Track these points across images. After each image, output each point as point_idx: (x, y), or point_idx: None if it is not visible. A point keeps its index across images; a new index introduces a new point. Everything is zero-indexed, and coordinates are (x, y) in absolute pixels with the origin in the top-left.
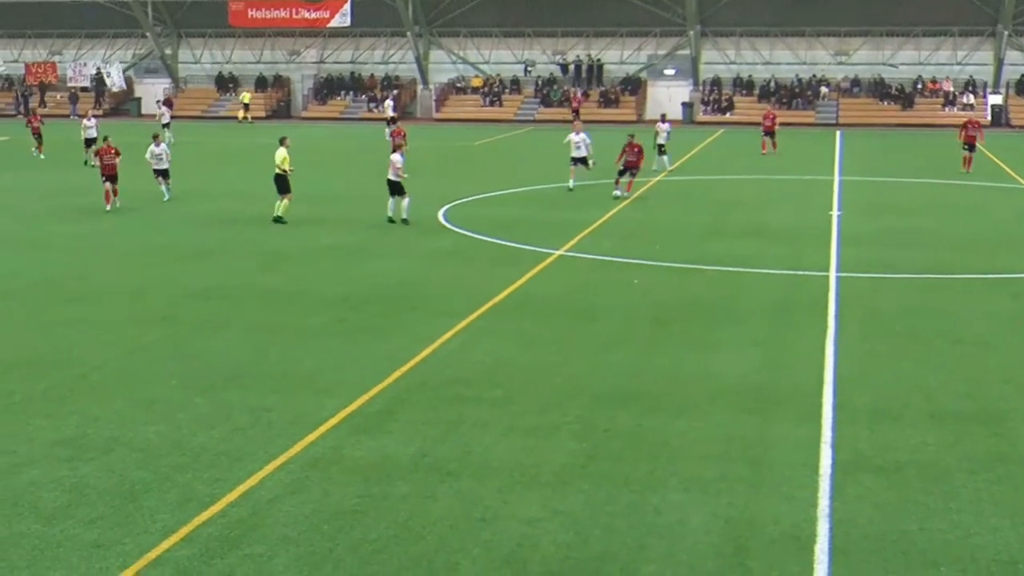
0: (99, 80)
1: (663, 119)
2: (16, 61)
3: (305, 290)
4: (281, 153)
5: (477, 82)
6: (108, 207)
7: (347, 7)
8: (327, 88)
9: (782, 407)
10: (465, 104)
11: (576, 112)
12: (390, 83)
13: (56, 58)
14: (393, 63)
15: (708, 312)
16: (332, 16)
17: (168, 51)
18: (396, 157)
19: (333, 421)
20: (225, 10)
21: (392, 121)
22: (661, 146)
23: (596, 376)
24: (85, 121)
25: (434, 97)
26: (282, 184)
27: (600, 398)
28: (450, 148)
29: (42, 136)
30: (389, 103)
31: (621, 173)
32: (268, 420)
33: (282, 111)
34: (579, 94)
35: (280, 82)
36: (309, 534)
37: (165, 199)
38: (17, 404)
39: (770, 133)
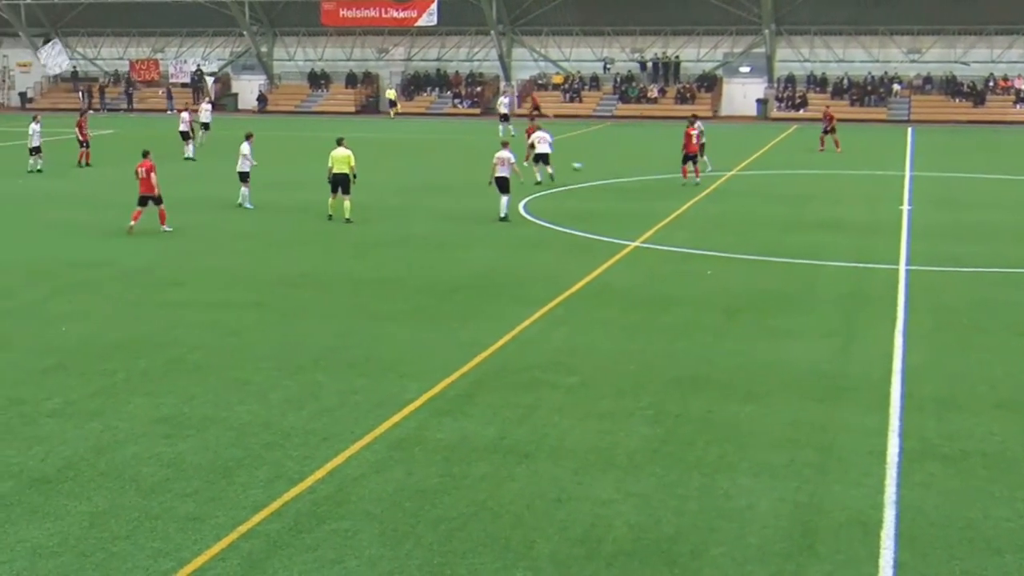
0: (199, 76)
1: (693, 120)
2: (121, 59)
3: (393, 278)
4: (346, 153)
5: (558, 79)
6: (132, 224)
7: (434, 6)
8: (414, 85)
9: (851, 395)
10: (546, 100)
11: (537, 109)
12: (474, 80)
13: (159, 56)
14: (477, 60)
15: (779, 302)
16: (420, 15)
17: (264, 49)
18: (506, 154)
19: (416, 403)
20: (318, 9)
21: (504, 119)
22: (701, 145)
23: (669, 363)
24: (203, 106)
25: (516, 93)
26: (346, 185)
27: (673, 384)
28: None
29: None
30: (503, 100)
31: (685, 161)
32: (355, 402)
33: (371, 107)
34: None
35: (369, 79)
36: (392, 511)
37: (238, 203)
38: (119, 383)
39: (829, 131)
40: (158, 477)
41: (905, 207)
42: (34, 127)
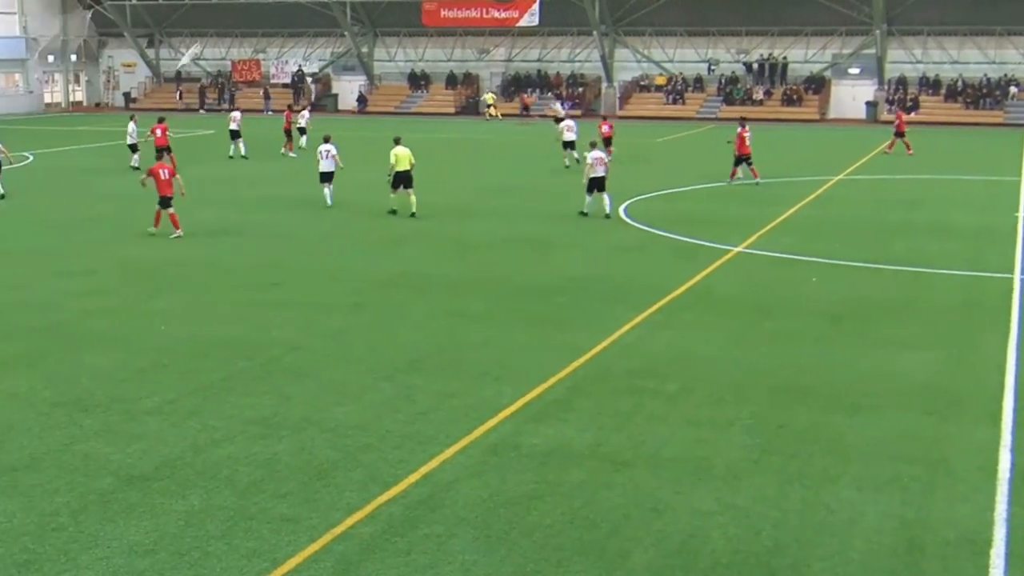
0: (299, 77)
1: (743, 123)
2: (223, 59)
3: (490, 279)
4: (407, 151)
5: (661, 80)
6: (154, 229)
7: (536, 7)
8: (514, 85)
9: (961, 409)
10: (648, 102)
11: (526, 108)
12: (575, 81)
13: (260, 56)
14: (579, 61)
15: (887, 311)
16: (521, 15)
17: (364, 49)
18: (600, 154)
19: (512, 408)
20: (419, 10)
21: (558, 121)
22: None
23: (771, 372)
24: (303, 113)
25: (618, 95)
26: (409, 180)
27: (775, 394)
28: (632, 145)
29: (291, 134)
30: (558, 105)
31: (737, 163)
32: (450, 405)
33: (471, 107)
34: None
35: (469, 80)
36: (486, 517)
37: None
38: (217, 382)
39: (900, 134)
40: (253, 477)
41: (1021, 213)
42: (132, 126)
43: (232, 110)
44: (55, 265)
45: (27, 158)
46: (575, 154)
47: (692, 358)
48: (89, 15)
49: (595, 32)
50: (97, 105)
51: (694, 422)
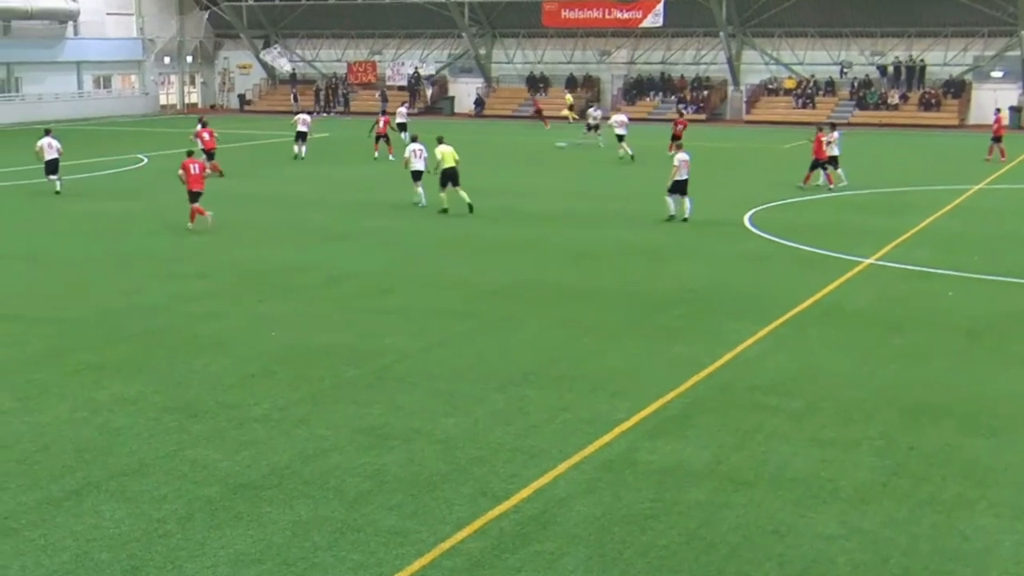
0: (416, 79)
1: (833, 127)
2: (339, 61)
3: (606, 289)
4: (450, 149)
5: (790, 83)
6: (191, 225)
7: (660, 7)
8: (636, 88)
9: None
10: (776, 106)
11: (539, 111)
12: (700, 84)
13: (376, 58)
14: (704, 64)
15: None
16: (644, 16)
17: (482, 51)
18: (686, 156)
19: (628, 423)
20: (539, 10)
21: (590, 128)
22: (834, 158)
23: (903, 390)
24: (400, 110)
25: (744, 99)
26: (456, 178)
27: (906, 413)
28: (758, 151)
29: (389, 138)
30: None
31: (813, 168)
32: (564, 419)
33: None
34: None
35: (590, 82)
36: (599, 535)
37: (413, 202)
38: (327, 390)
39: (998, 138)
40: (362, 488)
41: None
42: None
43: (299, 112)
44: (166, 268)
45: (141, 160)
46: (629, 150)
47: (818, 374)
48: (205, 16)
49: (721, 33)
50: (212, 107)
51: (819, 441)
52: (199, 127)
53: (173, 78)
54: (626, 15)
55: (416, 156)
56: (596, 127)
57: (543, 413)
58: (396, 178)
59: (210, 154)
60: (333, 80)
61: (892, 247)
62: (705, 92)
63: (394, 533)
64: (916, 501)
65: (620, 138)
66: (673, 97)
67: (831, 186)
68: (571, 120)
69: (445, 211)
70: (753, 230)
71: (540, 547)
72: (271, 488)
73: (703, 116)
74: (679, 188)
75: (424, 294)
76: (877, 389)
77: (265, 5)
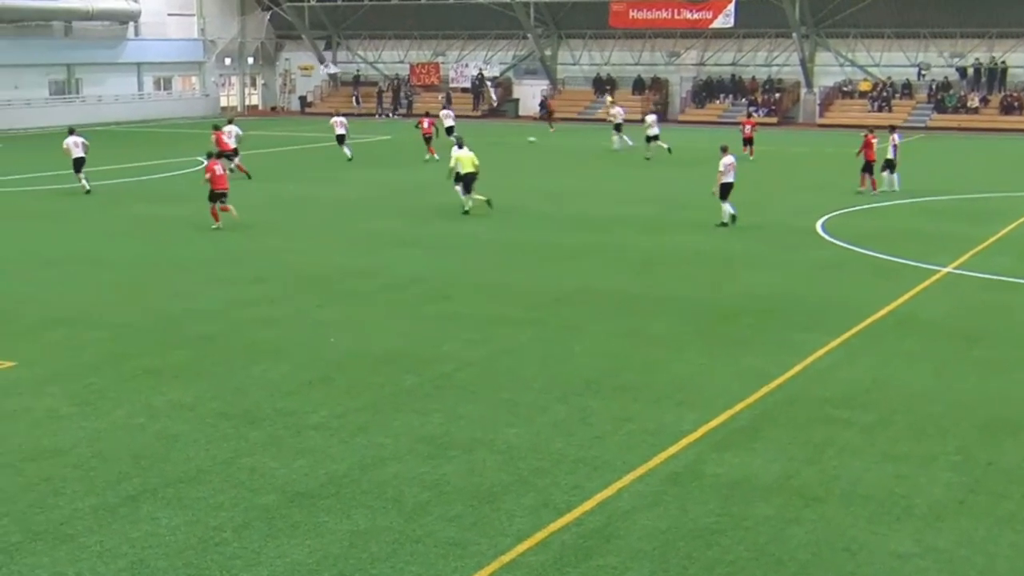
0: (479, 81)
1: (892, 129)
2: (402, 62)
3: (674, 297)
4: (470, 154)
5: (865, 86)
6: (235, 215)
7: (731, 7)
8: (706, 91)
9: None
10: (851, 109)
11: (550, 113)
12: (772, 86)
13: (439, 59)
14: (776, 65)
15: None
16: (715, 17)
17: (548, 52)
18: (732, 159)
19: (694, 435)
20: (606, 11)
21: (617, 128)
22: (890, 161)
23: (981, 404)
24: (443, 112)
25: (818, 101)
26: (473, 183)
27: (984, 428)
28: (832, 155)
29: (430, 140)
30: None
31: (865, 170)
32: (628, 430)
33: (658, 114)
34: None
35: (658, 84)
36: (664, 550)
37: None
38: (386, 398)
39: None
40: (421, 499)
41: None
42: (234, 128)
43: (337, 115)
44: (224, 273)
45: (201, 163)
46: (664, 144)
47: (892, 387)
48: (267, 17)
49: (794, 34)
50: (273, 109)
51: (893, 456)
52: (216, 131)
53: (234, 80)
54: (696, 15)
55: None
56: (620, 126)
57: (607, 424)
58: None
59: (228, 155)
60: (395, 82)
61: (971, 255)
62: (777, 94)
63: (453, 545)
64: (994, 519)
65: (651, 139)
66: (744, 100)
67: (873, 191)
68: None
69: (466, 213)
70: (826, 237)
71: (603, 561)
72: (328, 497)
73: (775, 119)
74: (726, 191)
75: (486, 300)
76: (954, 403)
77: (327, 5)
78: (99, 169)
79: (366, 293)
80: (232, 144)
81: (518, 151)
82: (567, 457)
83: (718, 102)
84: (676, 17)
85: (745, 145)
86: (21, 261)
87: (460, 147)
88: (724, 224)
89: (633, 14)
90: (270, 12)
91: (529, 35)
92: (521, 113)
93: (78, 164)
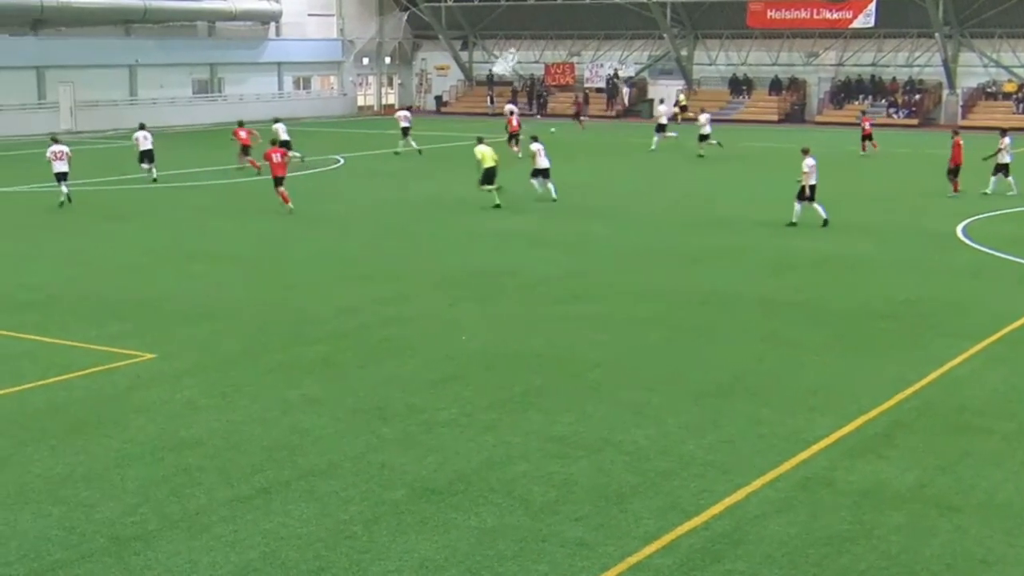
0: (613, 81)
1: (1003, 133)
2: (537, 62)
3: (808, 300)
4: (490, 149)
5: (1010, 87)
6: (289, 205)
7: (871, 7)
8: (844, 91)
9: None
10: (995, 110)
11: (579, 112)
12: (913, 87)
13: (574, 59)
14: (917, 66)
15: None
16: (855, 16)
17: (684, 52)
18: (814, 160)
19: (827, 441)
20: (744, 11)
21: (661, 128)
22: (1004, 166)
23: None
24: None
25: (960, 103)
26: (493, 177)
27: None
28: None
29: (518, 138)
30: (662, 109)
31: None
32: (759, 433)
33: (795, 115)
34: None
35: (795, 85)
36: (793, 556)
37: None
38: (516, 397)
39: None
40: (548, 498)
41: None
42: (281, 126)
43: (400, 109)
44: (360, 269)
45: (338, 161)
46: (714, 141)
47: None
48: (405, 17)
49: (937, 34)
50: (408, 108)
51: None
52: (238, 127)
53: (371, 79)
54: (835, 15)
55: (540, 154)
56: (664, 127)
57: (737, 427)
58: (589, 182)
59: (245, 150)
60: (530, 81)
61: None
62: (918, 96)
63: (580, 545)
64: None
65: (704, 137)
66: (883, 101)
67: (953, 193)
68: (678, 120)
69: (497, 206)
70: (967, 241)
71: (731, 566)
72: (457, 494)
73: (915, 121)
74: (811, 193)
75: (617, 301)
76: None
77: (464, 6)
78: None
79: (499, 292)
80: (284, 136)
81: (652, 153)
82: (696, 460)
83: (857, 103)
84: (815, 17)
85: (864, 141)
86: (166, 255)
87: (480, 143)
88: (794, 224)
89: (771, 14)
90: (407, 12)
91: (665, 35)
92: (655, 114)
93: (146, 155)
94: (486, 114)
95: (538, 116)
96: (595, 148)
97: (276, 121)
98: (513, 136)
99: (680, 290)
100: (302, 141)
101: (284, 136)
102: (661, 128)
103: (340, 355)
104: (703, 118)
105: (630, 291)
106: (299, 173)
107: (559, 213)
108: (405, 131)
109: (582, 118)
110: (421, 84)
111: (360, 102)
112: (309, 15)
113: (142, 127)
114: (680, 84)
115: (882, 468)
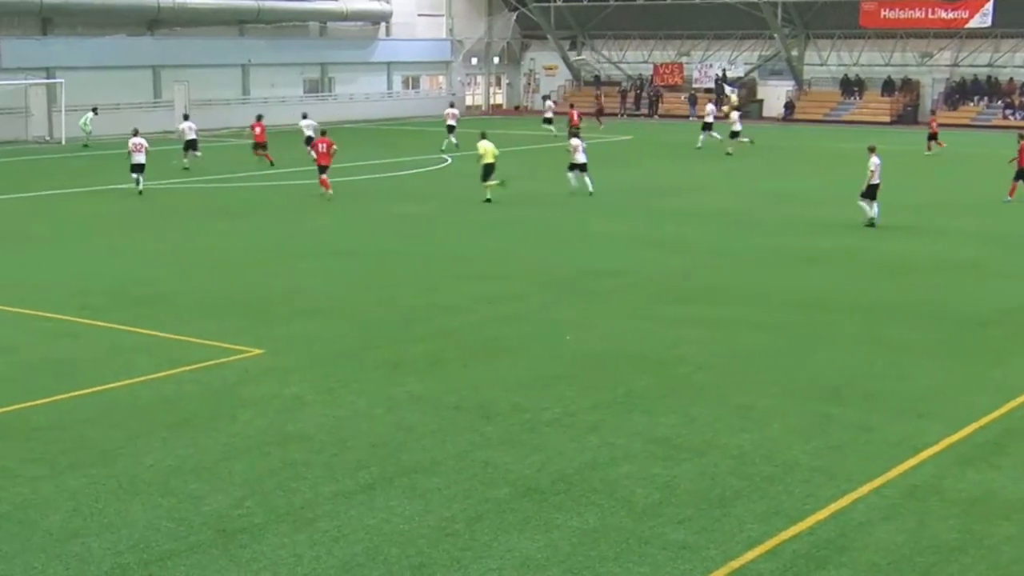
0: (722, 81)
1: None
2: (645, 62)
3: (918, 305)
4: (492, 145)
5: None
6: (327, 192)
7: (988, 6)
8: (959, 92)
9: None
10: None
11: (600, 111)
12: None
13: (683, 59)
14: None
15: None
16: (971, 16)
17: (794, 52)
18: (879, 160)
19: (936, 448)
20: (856, 11)
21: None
22: None
23: None
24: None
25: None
26: (492, 172)
27: None
28: None
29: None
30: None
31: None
32: (866, 439)
33: (908, 116)
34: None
35: (908, 86)
36: (899, 565)
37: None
38: (619, 398)
39: None
40: (651, 500)
41: None
42: (309, 121)
43: (451, 107)
44: (464, 268)
45: (446, 160)
46: (746, 139)
47: None
48: (513, 17)
49: None
50: (516, 108)
51: None
52: (256, 120)
53: (479, 79)
54: (951, 15)
55: (578, 150)
56: (711, 126)
57: (845, 433)
58: (694, 182)
59: (262, 145)
60: (638, 82)
61: None
62: None
63: (683, 548)
64: None
65: (735, 134)
66: (999, 102)
67: (1009, 198)
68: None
69: (488, 201)
70: None
71: (835, 573)
72: (559, 494)
73: None
74: (872, 193)
75: (723, 303)
76: None
77: (573, 6)
78: (349, 166)
79: (603, 293)
80: (309, 133)
81: (764, 152)
82: (801, 465)
83: (972, 104)
84: (930, 16)
85: (929, 141)
86: (275, 252)
87: (483, 138)
88: (873, 223)
89: (885, 13)
90: (516, 12)
91: (776, 35)
92: (765, 114)
93: (190, 144)
94: (590, 113)
95: (655, 117)
96: (693, 149)
97: (304, 117)
98: (575, 129)
99: (786, 292)
100: (410, 140)
101: (308, 132)
102: (708, 127)
103: (445, 353)
104: (734, 115)
105: (735, 293)
106: (406, 172)
107: (661, 214)
108: (451, 128)
109: (600, 118)
110: (529, 84)
111: (468, 101)
112: (419, 15)
113: (186, 118)
114: (790, 84)
115: (993, 477)
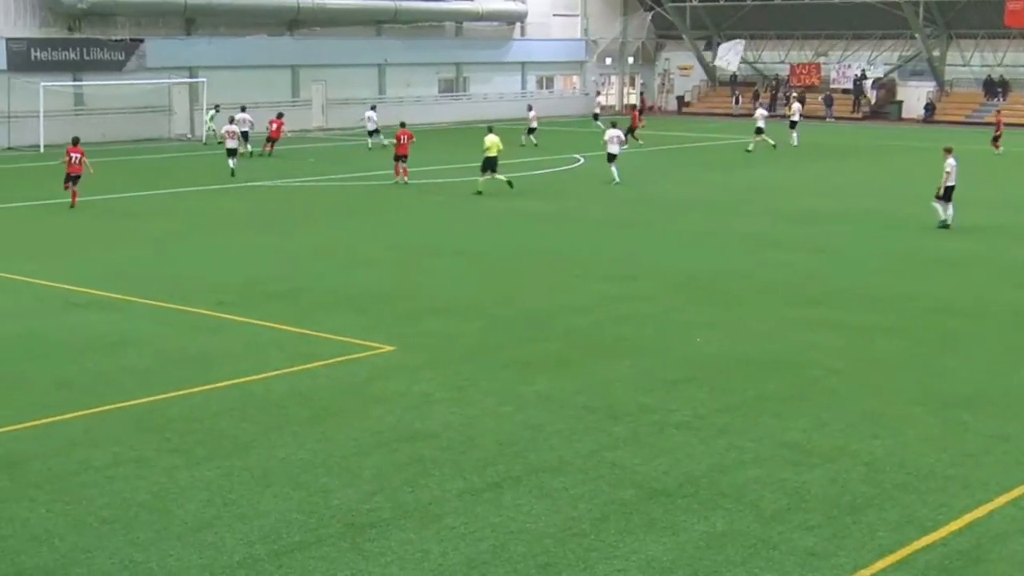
0: (859, 82)
1: None
2: (782, 62)
3: None
4: (496, 139)
5: None
6: (397, 179)
7: None
8: None
9: None
10: None
11: (642, 110)
12: None
13: (821, 59)
14: None
15: None
16: None
17: (936, 53)
18: (951, 161)
19: None
20: (1001, 10)
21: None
22: None
23: None
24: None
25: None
26: (495, 165)
27: None
28: None
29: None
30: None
31: None
32: (1004, 449)
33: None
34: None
35: None
36: None
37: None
38: (749, 401)
39: None
40: (780, 505)
41: None
42: (372, 114)
43: (531, 110)
44: (593, 267)
45: (578, 160)
46: (770, 140)
47: None
48: (649, 17)
49: None
50: (650, 108)
51: None
52: (275, 116)
53: (613, 79)
54: None
55: (613, 141)
56: (762, 130)
57: (981, 441)
58: (823, 185)
59: (273, 141)
60: (774, 82)
61: None
62: None
63: (811, 555)
64: None
65: (759, 131)
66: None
67: None
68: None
69: (479, 193)
70: None
71: None
72: (686, 497)
73: None
74: (948, 195)
75: (855, 307)
76: None
77: (709, 6)
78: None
79: (736, 294)
80: (370, 127)
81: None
82: (935, 473)
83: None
84: None
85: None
86: (406, 250)
87: (490, 131)
88: (947, 225)
89: None
90: (652, 12)
91: (917, 35)
92: (904, 115)
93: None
94: (729, 114)
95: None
96: (833, 150)
97: (372, 108)
98: (631, 130)
99: (920, 296)
100: (544, 140)
101: (371, 126)
102: (759, 131)
103: (573, 352)
104: (758, 113)
105: (868, 296)
106: (535, 172)
107: (794, 215)
108: (531, 130)
109: (637, 130)
110: (663, 84)
111: (602, 101)
112: (554, 15)
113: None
114: (931, 85)
115: None
